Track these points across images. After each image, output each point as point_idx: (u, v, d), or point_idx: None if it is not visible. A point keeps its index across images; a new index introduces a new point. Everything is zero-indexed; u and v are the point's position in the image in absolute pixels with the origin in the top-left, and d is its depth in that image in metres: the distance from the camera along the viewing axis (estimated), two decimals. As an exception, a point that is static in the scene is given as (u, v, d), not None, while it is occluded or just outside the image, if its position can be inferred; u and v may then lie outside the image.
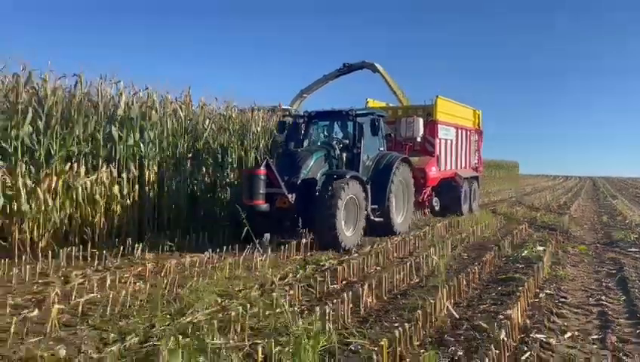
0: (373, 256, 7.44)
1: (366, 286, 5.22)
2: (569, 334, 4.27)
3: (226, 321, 4.32)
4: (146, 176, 9.52)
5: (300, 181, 8.62)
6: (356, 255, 7.83)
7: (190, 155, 10.58)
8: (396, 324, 4.32)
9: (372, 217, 9.32)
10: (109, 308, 4.87)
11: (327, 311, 4.29)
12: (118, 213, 8.80)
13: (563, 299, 5.38)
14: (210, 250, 7.57)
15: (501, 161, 61.83)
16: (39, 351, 3.82)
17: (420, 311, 4.28)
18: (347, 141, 9.99)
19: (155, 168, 9.68)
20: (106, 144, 8.88)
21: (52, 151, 7.92)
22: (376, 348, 3.70)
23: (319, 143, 10.22)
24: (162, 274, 6.40)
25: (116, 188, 8.78)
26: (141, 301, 5.22)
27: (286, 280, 6.27)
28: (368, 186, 9.23)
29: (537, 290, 5.59)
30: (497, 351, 3.49)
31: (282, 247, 7.97)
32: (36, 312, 4.75)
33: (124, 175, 9.02)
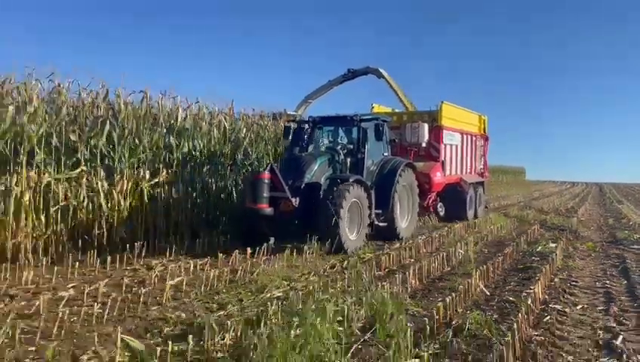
0: (407, 249, 8.51)
1: (410, 271, 6.31)
2: (580, 306, 5.34)
3: (305, 293, 5.41)
4: (196, 181, 10.65)
5: (303, 185, 8.70)
6: (388, 250, 8.88)
7: (231, 162, 11.69)
8: (439, 299, 5.39)
9: (376, 222, 9.37)
10: (202, 288, 5.98)
11: (386, 287, 5.38)
12: (174, 213, 9.92)
13: (574, 283, 6.44)
14: (262, 246, 8.55)
15: (508, 167, 62.74)
16: (167, 313, 4.94)
17: (459, 289, 5.36)
18: (351, 146, 10.05)
19: (205, 174, 10.81)
20: (165, 152, 10.03)
21: (124, 158, 9.07)
22: (427, 313, 4.78)
23: (323, 148, 10.33)
24: (230, 263, 7.48)
25: (173, 190, 9.92)
26: (224, 282, 6.33)
27: (335, 269, 7.35)
28: (372, 191, 9.28)
29: (552, 276, 6.65)
30: (525, 314, 4.56)
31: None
32: (144, 289, 5.85)
33: (179, 179, 10.17)
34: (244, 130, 12.23)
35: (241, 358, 3.47)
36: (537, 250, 8.70)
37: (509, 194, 33.45)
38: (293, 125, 10.91)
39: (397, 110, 14.90)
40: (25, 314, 4.89)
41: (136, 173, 9.25)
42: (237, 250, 7.90)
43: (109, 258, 7.31)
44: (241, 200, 8.92)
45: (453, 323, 4.50)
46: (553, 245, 9.08)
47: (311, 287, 5.83)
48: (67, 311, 4.91)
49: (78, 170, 8.28)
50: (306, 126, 10.65)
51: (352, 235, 8.60)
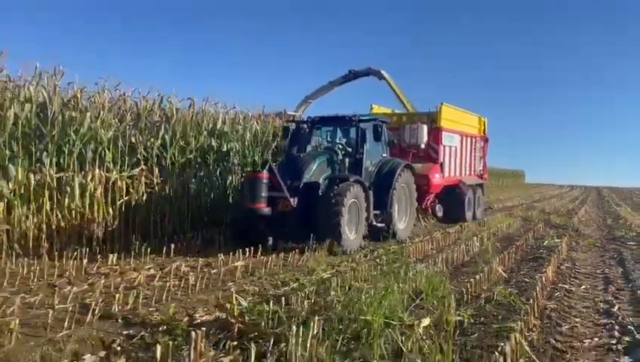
0: (426, 243, 9.59)
1: (437, 259, 7.39)
2: (583, 286, 6.43)
3: (351, 275, 6.47)
4: (232, 179, 11.72)
5: (302, 185, 8.71)
6: (410, 243, 9.94)
7: (261, 163, 12.74)
8: (466, 280, 6.46)
9: (374, 223, 9.40)
10: (263, 270, 7.06)
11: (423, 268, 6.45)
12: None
13: (578, 270, 7.54)
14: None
15: (508, 170, 63.93)
16: (244, 287, 6.00)
17: (482, 272, 6.44)
18: (350, 146, 10.07)
19: (238, 174, 11.88)
20: (205, 153, 11.09)
21: (174, 159, 10.13)
22: (461, 289, 5.85)
23: (322, 148, 10.39)
24: (276, 253, 8.51)
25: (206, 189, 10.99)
26: (279, 266, 7.39)
27: (368, 257, 8.41)
28: (371, 191, 9.29)
29: (559, 264, 7.74)
30: (540, 289, 5.64)
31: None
32: (214, 271, 6.90)
33: (213, 178, 11.23)
34: (272, 132, 13.31)
35: (347, 307, 4.51)
36: (544, 244, 9.80)
37: (511, 197, 34.50)
38: (291, 125, 10.96)
39: (396, 111, 14.85)
40: (129, 286, 5.94)
41: (185, 172, 10.35)
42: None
43: (163, 248, 8.31)
44: (240, 200, 8.92)
45: (482, 296, 5.58)
46: (558, 240, 10.17)
47: (355, 271, 6.89)
48: (160, 284, 5.98)
49: (139, 168, 9.34)
50: (305, 126, 10.69)
51: (351, 235, 8.59)
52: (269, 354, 3.70)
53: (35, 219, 7.58)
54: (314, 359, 3.57)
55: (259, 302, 5.19)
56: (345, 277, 6.26)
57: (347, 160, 9.81)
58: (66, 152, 8.14)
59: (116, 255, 7.45)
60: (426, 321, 4.19)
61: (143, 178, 9.37)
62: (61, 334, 4.24)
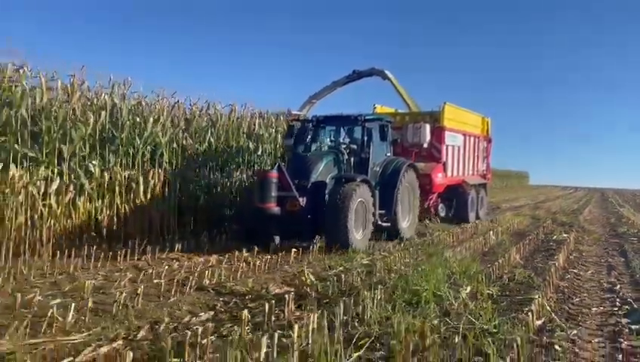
0: (447, 236, 10.62)
1: (460, 248, 8.44)
2: (590, 271, 7.47)
3: (388, 261, 7.53)
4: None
5: (310, 184, 8.79)
6: (432, 236, 10.97)
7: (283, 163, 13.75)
8: (489, 265, 7.49)
9: (379, 222, 9.46)
10: (310, 257, 8.11)
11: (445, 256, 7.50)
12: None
13: (585, 259, 8.58)
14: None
15: (512, 171, 64.82)
16: (301, 269, 7.05)
17: (503, 258, 7.49)
18: (355, 146, 10.09)
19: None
20: (241, 154, 12.13)
21: (220, 160, 11.20)
22: (485, 271, 6.89)
23: (328, 148, 10.52)
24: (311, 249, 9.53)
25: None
26: (323, 253, 8.44)
27: (396, 248, 9.45)
28: (377, 191, 9.43)
29: (568, 254, 8.78)
30: (554, 272, 6.68)
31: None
32: (267, 256, 7.95)
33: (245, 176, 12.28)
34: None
35: (398, 281, 5.58)
36: (553, 238, 10.84)
37: (517, 197, 35.49)
38: (296, 124, 10.97)
39: (400, 111, 14.91)
40: (204, 267, 7.00)
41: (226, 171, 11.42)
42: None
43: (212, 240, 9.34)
44: (248, 200, 8.98)
45: (504, 277, 6.63)
46: (566, 235, 11.20)
47: (389, 258, 7.94)
48: (227, 266, 7.03)
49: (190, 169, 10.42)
50: (310, 125, 10.76)
51: (357, 234, 8.66)
52: (347, 312, 4.75)
53: (109, 212, 8.65)
54: (382, 315, 4.62)
55: (320, 279, 6.26)
56: (386, 262, 7.32)
57: (352, 159, 9.87)
58: (132, 154, 9.22)
59: (180, 244, 8.52)
60: (467, 289, 5.24)
61: (194, 177, 10.46)
62: (172, 299, 5.32)
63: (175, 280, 5.86)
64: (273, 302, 4.85)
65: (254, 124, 12.42)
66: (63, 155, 7.95)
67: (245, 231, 8.92)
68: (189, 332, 3.97)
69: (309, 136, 10.60)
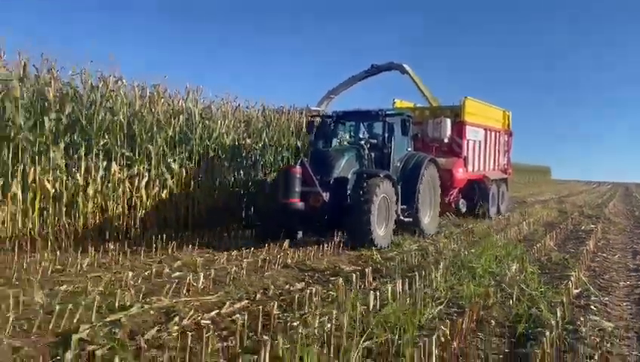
0: (483, 227, 11.60)
1: (500, 236, 9.44)
2: (617, 255, 8.43)
3: (438, 247, 8.57)
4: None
5: (332, 180, 8.79)
6: (467, 227, 11.94)
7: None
8: (526, 250, 8.47)
9: (401, 217, 9.49)
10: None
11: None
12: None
13: (612, 246, 9.51)
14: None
15: (533, 166, 64.86)
16: (362, 252, 8.14)
17: (540, 243, 8.48)
18: (375, 141, 10.05)
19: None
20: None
21: (271, 157, 12.34)
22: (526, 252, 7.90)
23: (349, 143, 10.38)
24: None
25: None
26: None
27: (443, 236, 10.47)
28: (399, 186, 9.43)
29: (596, 241, 9.71)
30: (586, 251, 7.66)
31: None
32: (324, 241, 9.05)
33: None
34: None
35: (453, 261, 6.65)
36: (581, 228, 11.75)
37: (541, 192, 36.07)
38: (317, 120, 11.01)
39: (419, 105, 14.80)
40: (278, 251, 8.14)
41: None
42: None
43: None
44: (272, 195, 8.84)
45: (542, 258, 7.63)
46: (593, 226, 12.09)
47: (436, 244, 8.98)
48: (293, 251, 8.15)
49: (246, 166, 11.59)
50: (330, 121, 10.77)
51: (380, 230, 8.66)
52: (415, 282, 5.83)
53: (187, 203, 9.87)
54: (448, 285, 5.68)
55: (384, 259, 7.37)
56: (436, 247, 8.38)
57: (373, 154, 9.84)
58: (202, 153, 10.40)
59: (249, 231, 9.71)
60: (514, 266, 6.29)
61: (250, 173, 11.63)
62: (267, 274, 6.46)
63: (263, 260, 7.02)
64: (356, 274, 5.97)
65: (300, 123, 13.50)
66: (150, 154, 9.16)
67: (269, 227, 8.96)
68: (308, 291, 5.12)
69: (329, 132, 10.58)
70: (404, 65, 14.76)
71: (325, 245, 8.35)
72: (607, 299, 5.53)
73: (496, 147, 14.98)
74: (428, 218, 10.48)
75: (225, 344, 3.95)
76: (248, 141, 11.69)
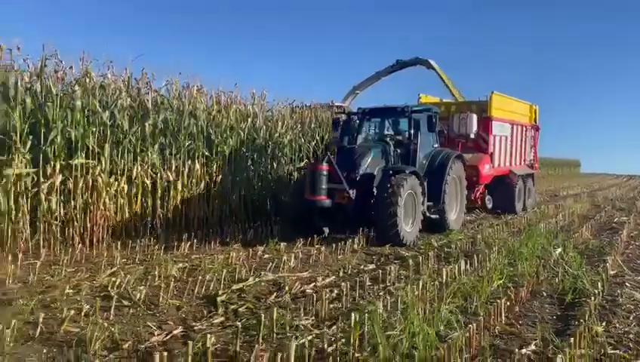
0: (522, 218, 12.49)
1: (540, 226, 10.36)
2: (650, 244, 9.27)
3: (485, 235, 9.55)
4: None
5: (358, 176, 8.82)
6: (506, 218, 12.82)
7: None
8: (565, 238, 9.34)
9: (428, 214, 9.51)
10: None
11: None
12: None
13: (644, 236, 10.33)
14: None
15: (562, 159, 64.43)
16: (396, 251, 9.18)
17: (578, 232, 9.37)
18: (400, 137, 10.07)
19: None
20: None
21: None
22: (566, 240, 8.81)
23: (374, 139, 10.44)
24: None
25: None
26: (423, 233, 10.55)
27: (487, 226, 11.43)
28: (425, 182, 9.39)
29: (629, 232, 10.52)
30: (620, 240, 8.54)
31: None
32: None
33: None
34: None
35: (502, 246, 7.66)
36: (614, 220, 12.52)
37: (571, 185, 36.26)
38: (342, 116, 10.98)
39: (445, 100, 14.63)
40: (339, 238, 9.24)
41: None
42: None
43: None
44: (299, 192, 9.01)
45: (580, 246, 8.55)
46: (625, 218, 12.83)
47: (482, 233, 9.94)
48: (348, 241, 9.22)
49: (304, 162, 12.72)
50: (355, 117, 10.74)
51: (407, 227, 8.70)
52: (472, 263, 6.84)
53: (252, 197, 11.06)
54: (502, 265, 6.68)
55: (440, 246, 8.42)
56: (483, 235, 9.36)
57: (399, 151, 9.85)
58: (266, 152, 11.56)
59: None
60: (557, 251, 7.27)
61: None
62: (340, 257, 7.56)
63: (332, 245, 8.13)
64: (421, 256, 7.04)
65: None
66: (225, 154, 10.36)
67: (295, 224, 9.13)
68: (381, 270, 6.22)
69: (355, 129, 10.57)
70: (430, 61, 14.71)
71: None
72: (639, 278, 6.45)
73: (523, 142, 14.78)
74: (454, 214, 10.48)
75: (332, 305, 5.07)
76: (303, 140, 12.81)
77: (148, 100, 8.78)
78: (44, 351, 3.77)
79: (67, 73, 7.79)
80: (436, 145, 10.73)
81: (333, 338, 3.98)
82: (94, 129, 7.85)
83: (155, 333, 4.23)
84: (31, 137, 7.17)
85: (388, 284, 5.91)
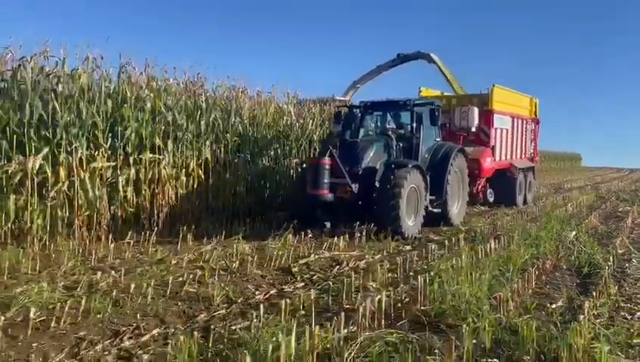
0: (534, 207, 13.49)
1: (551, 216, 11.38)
2: (652, 229, 10.30)
3: (504, 222, 10.56)
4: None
5: (361, 171, 8.80)
6: (519, 209, 13.81)
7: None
8: (575, 225, 10.34)
9: (430, 208, 9.51)
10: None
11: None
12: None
13: (647, 223, 11.36)
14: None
15: (563, 153, 65.28)
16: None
17: (586, 220, 10.40)
18: (402, 131, 10.05)
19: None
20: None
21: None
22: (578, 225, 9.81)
23: (377, 133, 10.43)
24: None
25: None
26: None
27: (498, 215, 12.44)
28: (427, 176, 9.39)
29: (633, 219, 11.55)
30: (626, 226, 9.56)
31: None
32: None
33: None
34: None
35: (522, 231, 8.70)
36: (619, 210, 13.54)
37: (573, 179, 37.22)
38: (344, 110, 10.93)
39: (446, 94, 14.68)
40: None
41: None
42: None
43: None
44: (301, 186, 9.05)
45: (590, 231, 9.56)
46: (629, 208, 13.85)
47: (503, 220, 10.94)
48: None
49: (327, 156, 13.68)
50: (357, 111, 10.71)
51: (409, 221, 8.74)
52: (500, 242, 7.84)
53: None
54: (523, 244, 7.68)
55: (466, 231, 9.46)
56: (502, 222, 10.38)
57: (401, 144, 9.82)
58: (297, 147, 12.55)
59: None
60: (572, 234, 8.30)
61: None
62: (364, 244, 8.56)
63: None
64: (453, 239, 8.06)
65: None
66: (267, 149, 11.37)
67: (296, 218, 9.01)
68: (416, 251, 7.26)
69: (357, 122, 10.53)
70: (432, 55, 14.78)
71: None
72: (644, 256, 7.48)
73: (524, 135, 14.82)
74: (456, 208, 10.48)
75: (389, 274, 6.09)
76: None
77: (202, 101, 9.76)
78: (179, 303, 4.80)
79: (137, 79, 8.76)
80: (438, 139, 10.73)
81: (403, 295, 5.01)
82: (161, 127, 8.84)
83: (256, 293, 5.26)
84: (110, 135, 8.17)
85: (430, 261, 6.93)
